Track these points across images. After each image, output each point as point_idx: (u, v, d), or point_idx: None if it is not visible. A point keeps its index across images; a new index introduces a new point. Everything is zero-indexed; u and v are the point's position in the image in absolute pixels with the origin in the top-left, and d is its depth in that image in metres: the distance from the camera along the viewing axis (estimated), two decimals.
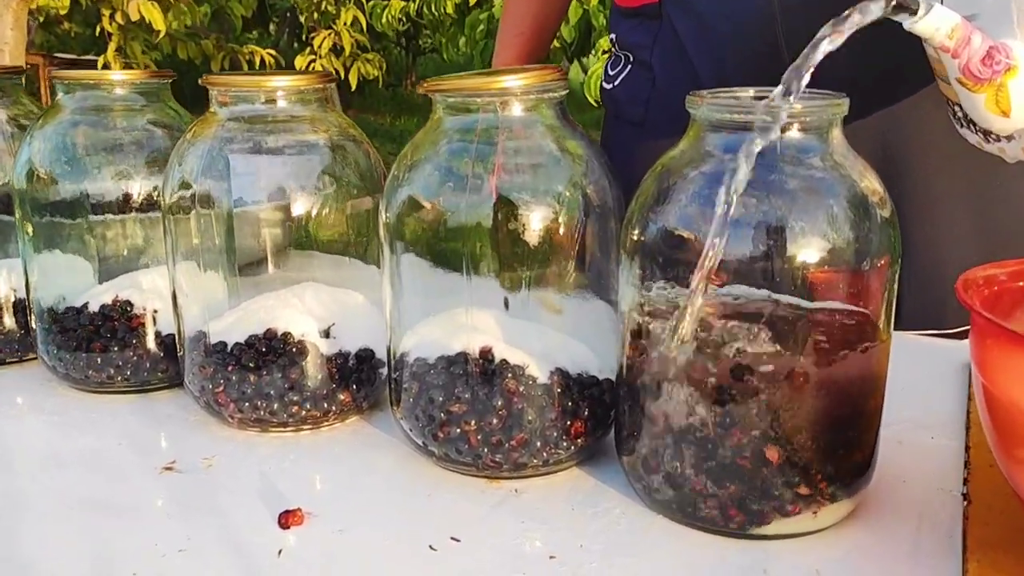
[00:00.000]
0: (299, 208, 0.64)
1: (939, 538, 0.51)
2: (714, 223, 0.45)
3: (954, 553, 0.50)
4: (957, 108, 0.60)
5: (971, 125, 0.60)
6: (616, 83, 0.95)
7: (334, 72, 2.57)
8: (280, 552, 0.50)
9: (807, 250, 0.47)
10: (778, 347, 0.48)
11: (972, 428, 0.62)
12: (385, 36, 2.87)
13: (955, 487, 0.56)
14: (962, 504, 0.54)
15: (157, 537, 0.52)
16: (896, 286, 0.50)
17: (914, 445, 0.61)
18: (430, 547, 0.51)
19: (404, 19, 2.64)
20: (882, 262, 0.48)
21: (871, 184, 0.49)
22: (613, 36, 0.97)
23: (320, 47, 2.43)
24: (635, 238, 0.52)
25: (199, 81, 0.60)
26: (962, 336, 0.85)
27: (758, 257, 0.47)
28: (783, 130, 0.47)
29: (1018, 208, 0.84)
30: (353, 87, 2.53)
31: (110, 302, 0.71)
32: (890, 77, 0.78)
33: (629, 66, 0.94)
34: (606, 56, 1.00)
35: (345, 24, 2.48)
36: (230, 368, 0.63)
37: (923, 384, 0.71)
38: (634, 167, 0.55)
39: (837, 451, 0.50)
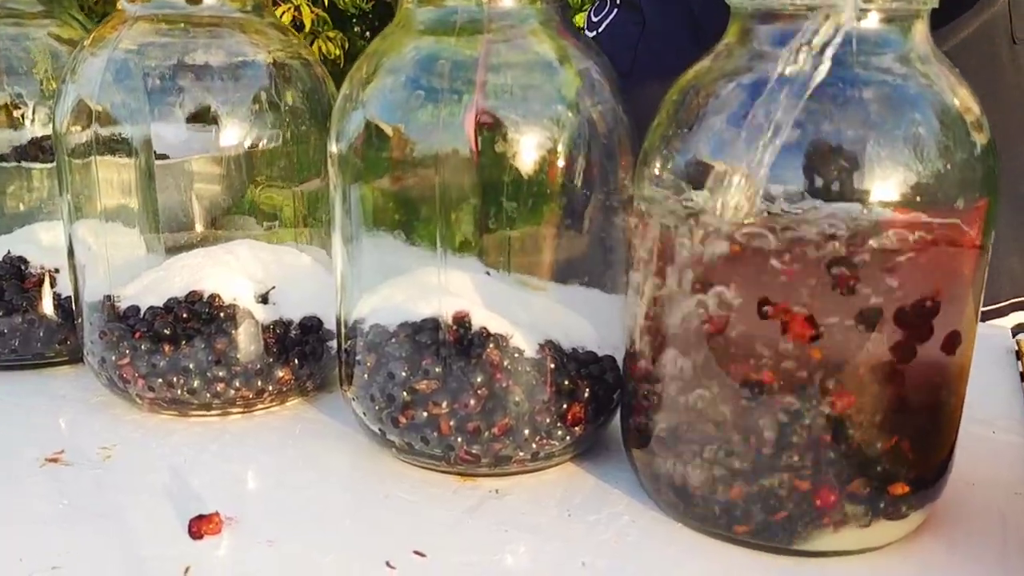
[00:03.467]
0: (230, 141, 0.51)
1: None
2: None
3: None
4: None
5: None
6: (600, 29, 0.85)
7: (294, 32, 2.41)
8: (187, 570, 0.38)
9: (885, 183, 0.36)
10: (846, 304, 0.36)
11: None
12: (347, 17, 2.73)
13: None
14: None
15: (25, 549, 0.39)
16: (992, 238, 0.39)
17: (976, 442, 0.50)
18: (387, 564, 0.39)
19: None
20: (980, 203, 0.38)
21: (965, 101, 0.38)
22: None
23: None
24: (655, 175, 0.40)
25: None
26: (993, 316, 0.76)
27: (819, 192, 0.36)
28: (856, 19, 0.36)
29: None
30: None
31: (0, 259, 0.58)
32: None
33: (616, 10, 0.84)
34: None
35: None
36: (138, 335, 0.50)
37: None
38: None
39: (918, 446, 0.39)
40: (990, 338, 0.66)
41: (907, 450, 0.39)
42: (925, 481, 0.39)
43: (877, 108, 0.36)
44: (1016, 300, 0.76)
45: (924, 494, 0.40)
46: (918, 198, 0.36)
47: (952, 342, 0.38)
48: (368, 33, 3.10)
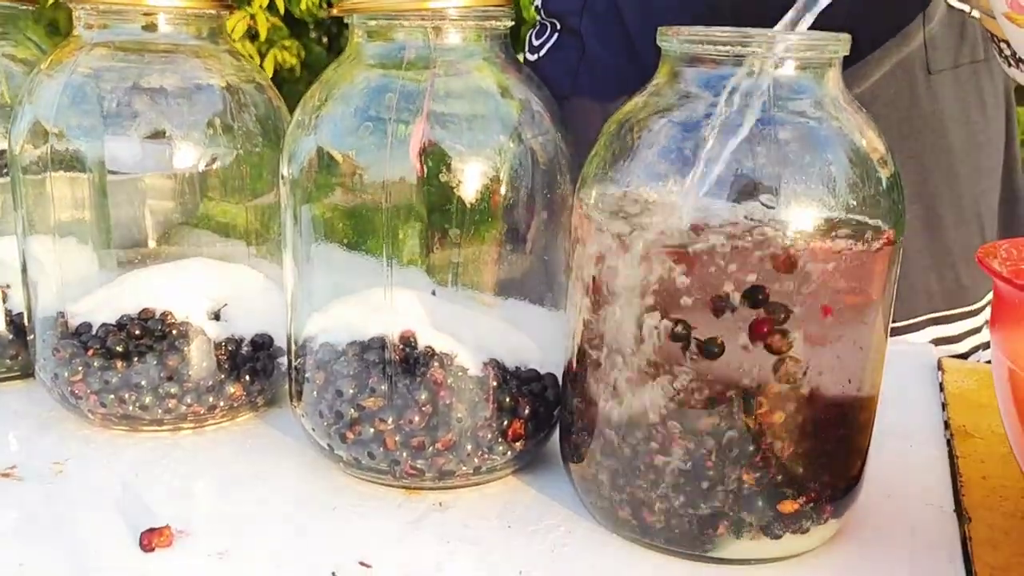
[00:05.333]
0: (184, 163, 0.53)
1: (938, 563, 0.43)
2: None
3: None
4: (1004, 46, 0.54)
5: (1020, 64, 0.53)
6: (541, 53, 0.87)
7: (248, 58, 2.40)
8: None
9: (801, 217, 0.39)
10: (765, 332, 0.39)
11: (955, 437, 0.55)
12: (303, 24, 2.73)
13: (945, 503, 0.49)
14: (957, 523, 0.47)
15: None
16: (898, 266, 0.42)
17: (893, 455, 0.54)
18: (332, 574, 0.41)
19: (325, 4, 2.51)
20: (886, 234, 0.41)
21: (872, 141, 0.41)
22: (539, 2, 0.88)
23: (234, 30, 2.29)
24: (592, 201, 0.43)
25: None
26: (909, 331, 0.79)
27: (739, 224, 0.39)
28: (774, 67, 0.39)
29: (960, 190, 0.78)
30: (270, 74, 2.39)
31: None
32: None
33: (556, 34, 0.86)
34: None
35: (261, 7, 2.35)
36: (91, 352, 0.51)
37: (889, 388, 0.64)
38: None
39: (830, 460, 0.42)
40: (911, 355, 0.70)
41: (824, 461, 0.41)
42: (827, 499, 0.42)
43: (794, 148, 0.39)
44: (932, 315, 0.80)
45: (827, 510, 0.42)
46: (830, 229, 0.39)
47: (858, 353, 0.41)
48: (326, 40, 3.09)
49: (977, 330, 0.83)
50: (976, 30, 0.75)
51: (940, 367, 0.66)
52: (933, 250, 0.77)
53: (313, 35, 3.09)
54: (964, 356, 0.81)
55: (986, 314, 0.83)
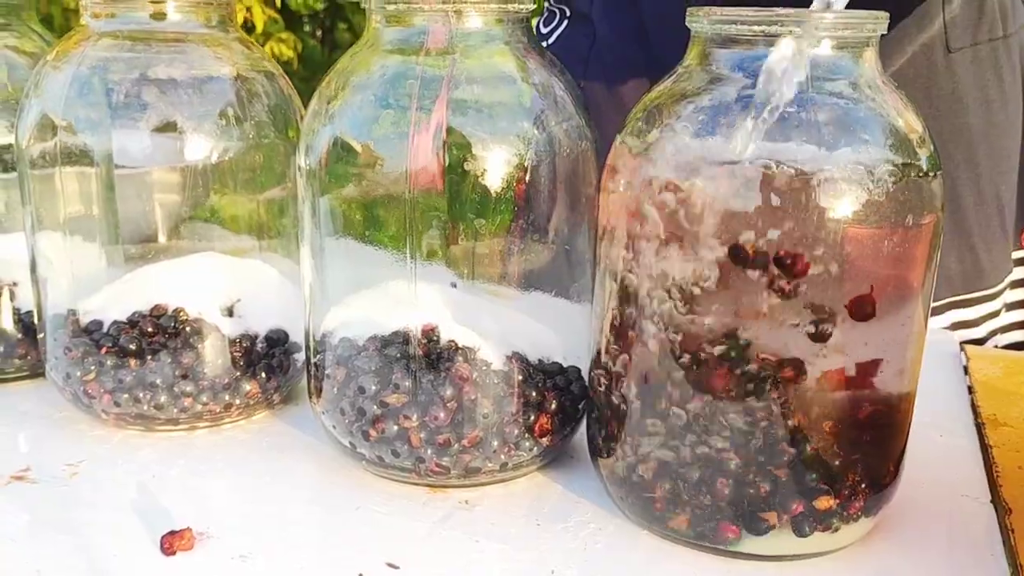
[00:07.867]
0: (195, 155, 0.51)
1: (980, 557, 0.42)
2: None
3: (1000, 573, 0.41)
4: None
5: None
6: (550, 41, 0.86)
7: (258, 46, 2.36)
8: None
9: (840, 201, 0.37)
10: (803, 324, 0.38)
11: (987, 426, 0.54)
12: (297, 18, 2.71)
13: (980, 494, 0.48)
14: (995, 514, 0.46)
15: None
16: (939, 250, 0.41)
17: (924, 445, 0.52)
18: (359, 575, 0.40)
19: None
20: (927, 218, 0.39)
21: (911, 121, 0.40)
22: None
23: None
24: (619, 188, 0.42)
25: None
26: (930, 314, 0.78)
27: (776, 211, 0.38)
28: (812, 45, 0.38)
29: (979, 170, 0.77)
30: None
31: None
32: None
33: (565, 21, 0.85)
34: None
35: None
36: (104, 351, 0.50)
37: None
38: None
39: (869, 452, 0.41)
40: (932, 342, 0.69)
41: (863, 454, 0.40)
42: (863, 494, 0.41)
43: (831, 129, 0.38)
44: (953, 299, 0.78)
45: (861, 507, 0.41)
46: (870, 215, 0.38)
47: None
48: (319, 33, 3.07)
49: (995, 314, 0.82)
50: (995, 7, 0.74)
51: (964, 354, 0.65)
52: (953, 232, 0.76)
53: (307, 28, 3.07)
54: (982, 341, 0.80)
55: (1005, 297, 0.82)
